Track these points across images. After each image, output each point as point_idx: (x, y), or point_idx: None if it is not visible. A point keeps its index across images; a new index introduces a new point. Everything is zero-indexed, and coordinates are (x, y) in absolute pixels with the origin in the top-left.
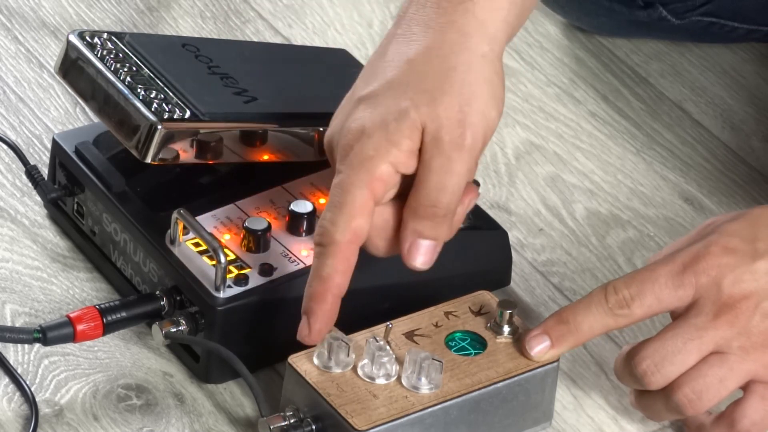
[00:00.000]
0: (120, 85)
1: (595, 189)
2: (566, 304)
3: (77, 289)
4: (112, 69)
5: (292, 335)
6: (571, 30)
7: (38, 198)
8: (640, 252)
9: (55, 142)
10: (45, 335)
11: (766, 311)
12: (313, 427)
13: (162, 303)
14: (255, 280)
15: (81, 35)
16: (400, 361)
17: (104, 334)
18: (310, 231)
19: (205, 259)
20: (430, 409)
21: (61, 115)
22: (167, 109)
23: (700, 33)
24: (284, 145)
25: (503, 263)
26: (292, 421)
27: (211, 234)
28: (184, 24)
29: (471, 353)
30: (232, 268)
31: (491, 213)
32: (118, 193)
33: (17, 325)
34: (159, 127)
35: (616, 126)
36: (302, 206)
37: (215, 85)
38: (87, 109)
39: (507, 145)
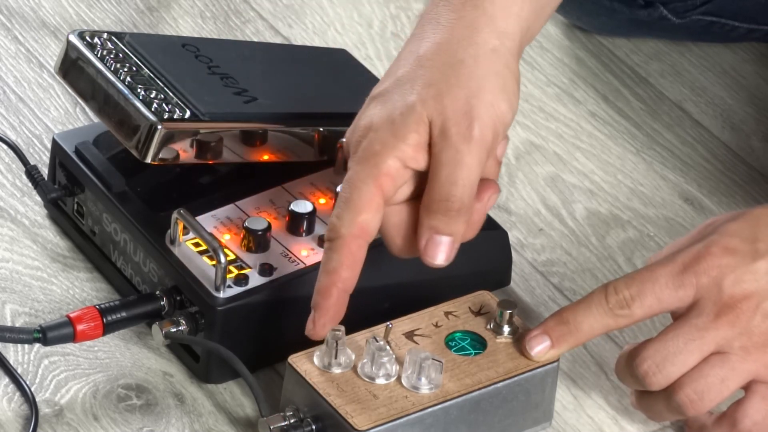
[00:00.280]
0: (120, 85)
1: (595, 189)
2: (566, 304)
3: (77, 289)
4: (112, 69)
5: (292, 335)
6: (571, 30)
7: (38, 198)
8: (640, 252)
9: (55, 142)
10: (45, 335)
11: (767, 311)
12: (313, 427)
13: (162, 303)
14: (255, 280)
15: (81, 35)
16: (400, 361)
17: (104, 334)
18: (310, 231)
19: (205, 259)
20: (430, 409)
21: (61, 115)
22: (167, 109)
23: (700, 32)
24: (284, 145)
25: (503, 263)
26: (292, 421)
27: (211, 234)
28: (184, 24)
29: (471, 353)
30: (232, 268)
31: (491, 213)
32: (118, 193)
33: (17, 325)
34: (159, 127)
35: (616, 126)
36: (302, 206)
37: (215, 85)
38: (87, 109)
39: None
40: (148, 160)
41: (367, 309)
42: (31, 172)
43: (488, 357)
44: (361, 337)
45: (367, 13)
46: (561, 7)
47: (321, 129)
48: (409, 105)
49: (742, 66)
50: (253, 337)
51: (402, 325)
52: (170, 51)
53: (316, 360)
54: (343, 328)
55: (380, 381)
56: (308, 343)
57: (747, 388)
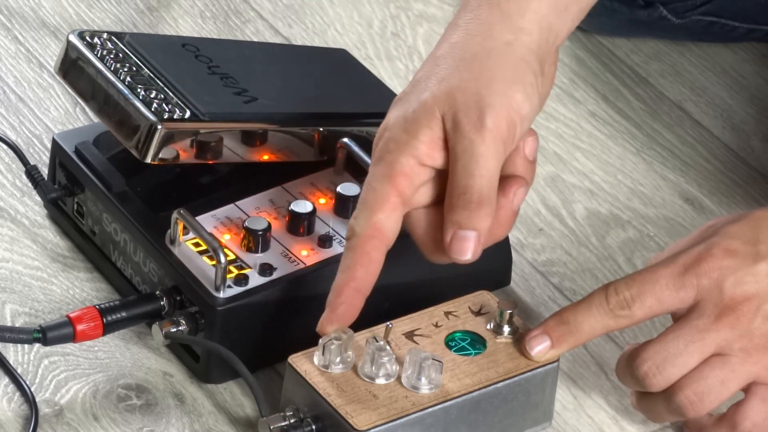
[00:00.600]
0: (120, 85)
1: (595, 189)
2: (566, 304)
3: (77, 289)
4: (112, 69)
5: (292, 335)
6: None
7: (38, 198)
8: (640, 252)
9: (55, 142)
10: (45, 335)
11: None
12: (313, 427)
13: (162, 303)
14: (255, 280)
15: (81, 35)
16: (400, 361)
17: (104, 334)
18: (310, 231)
19: (205, 259)
20: (430, 409)
21: (61, 115)
22: (167, 109)
23: (700, 32)
24: (284, 145)
25: (503, 263)
26: (292, 421)
27: (211, 234)
28: (184, 24)
29: (471, 353)
30: (232, 268)
31: None
32: (118, 193)
33: (17, 325)
34: (159, 127)
35: (616, 126)
36: (302, 206)
37: (215, 85)
38: (87, 109)
39: None
40: (148, 160)
41: (367, 309)
42: (31, 172)
43: (488, 357)
44: (361, 337)
45: (367, 13)
46: None
47: (321, 129)
48: (421, 102)
49: (742, 66)
50: (253, 337)
51: (402, 325)
52: (170, 51)
53: (316, 360)
54: (351, 331)
55: (380, 381)
56: (308, 343)
57: (747, 389)
